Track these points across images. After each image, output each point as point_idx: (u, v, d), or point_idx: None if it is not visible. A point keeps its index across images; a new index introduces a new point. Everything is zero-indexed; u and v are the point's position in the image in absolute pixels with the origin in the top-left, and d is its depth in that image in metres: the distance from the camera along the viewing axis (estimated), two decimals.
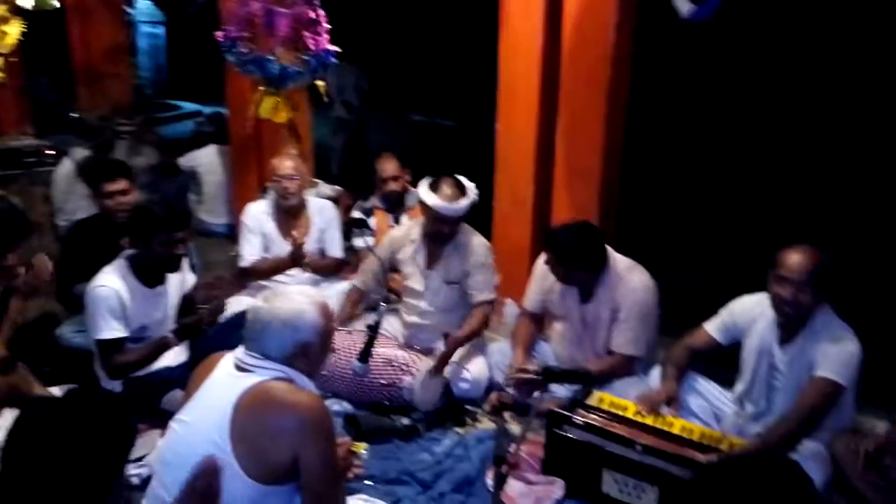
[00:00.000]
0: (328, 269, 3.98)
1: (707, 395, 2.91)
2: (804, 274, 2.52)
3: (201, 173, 5.64)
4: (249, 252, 3.83)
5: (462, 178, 3.29)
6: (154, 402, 2.95)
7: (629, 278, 3.04)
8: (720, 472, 1.42)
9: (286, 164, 3.78)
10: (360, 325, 3.46)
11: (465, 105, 8.74)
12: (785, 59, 6.47)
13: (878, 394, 2.83)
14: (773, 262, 2.61)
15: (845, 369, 2.51)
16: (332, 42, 3.60)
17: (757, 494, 1.31)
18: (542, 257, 3.30)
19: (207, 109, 9.19)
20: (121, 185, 3.60)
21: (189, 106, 11.83)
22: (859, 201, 5.70)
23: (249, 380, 1.94)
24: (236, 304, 3.72)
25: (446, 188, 3.20)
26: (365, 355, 2.57)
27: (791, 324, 2.65)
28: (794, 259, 2.54)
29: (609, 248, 3.08)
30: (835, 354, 2.52)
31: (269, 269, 3.79)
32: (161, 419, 2.82)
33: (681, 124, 6.94)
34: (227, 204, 5.64)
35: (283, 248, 3.82)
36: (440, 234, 3.30)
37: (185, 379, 2.90)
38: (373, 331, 2.57)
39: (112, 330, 2.91)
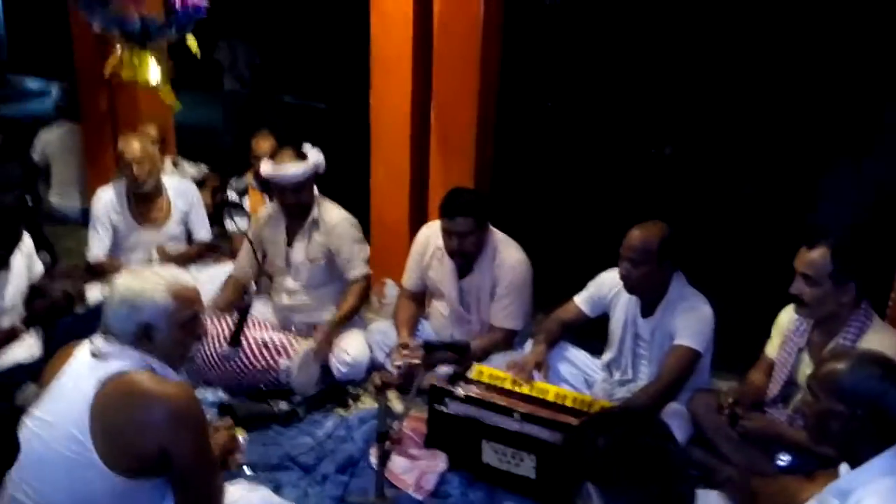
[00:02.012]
0: (192, 257, 3.78)
1: (577, 362, 3.05)
2: (637, 251, 2.68)
3: (50, 154, 5.20)
4: (97, 247, 3.60)
5: (308, 147, 3.22)
6: (6, 399, 2.70)
7: (506, 253, 3.12)
8: (589, 428, 1.49)
9: (133, 146, 3.49)
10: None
11: (335, 88, 8.67)
12: (645, 47, 6.82)
13: (730, 357, 3.05)
14: None
15: (701, 336, 2.70)
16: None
17: (622, 446, 1.37)
18: (421, 234, 3.31)
19: (54, 86, 8.52)
20: None
21: (33, 83, 10.88)
22: (711, 181, 6.14)
23: (107, 369, 1.83)
24: (95, 292, 3.51)
25: (283, 156, 3.16)
26: (235, 338, 2.47)
27: (648, 297, 2.81)
28: (631, 237, 2.71)
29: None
30: (691, 323, 2.70)
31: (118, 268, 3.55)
32: (15, 418, 2.61)
33: (549, 102, 7.17)
34: (80, 187, 5.24)
35: (138, 237, 3.61)
36: (288, 204, 3.22)
37: (39, 375, 2.73)
38: (242, 313, 2.47)
39: None
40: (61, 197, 5.27)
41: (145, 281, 1.89)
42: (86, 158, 5.15)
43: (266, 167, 3.17)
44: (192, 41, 3.09)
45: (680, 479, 1.40)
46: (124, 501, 1.81)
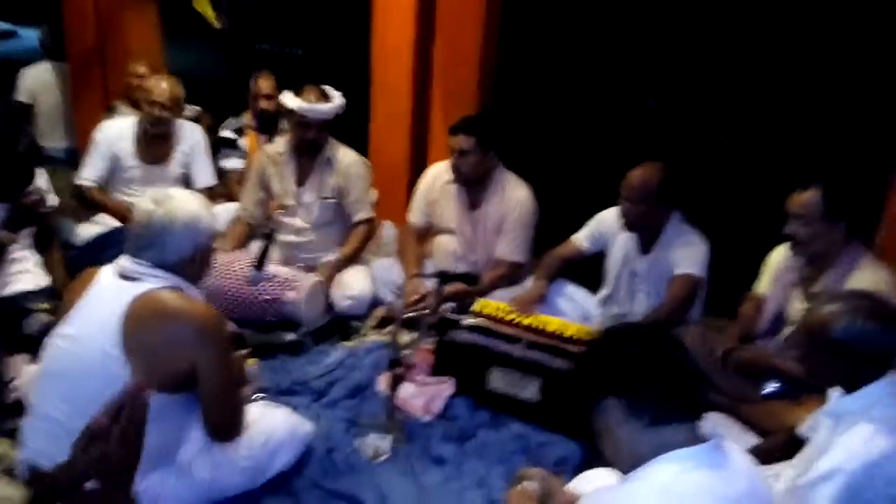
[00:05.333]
0: None
1: (576, 298, 3.16)
2: (636, 190, 2.79)
3: (36, 93, 5.10)
4: (89, 171, 3.56)
5: (327, 88, 3.26)
6: (13, 327, 2.73)
7: (513, 188, 3.21)
8: (607, 343, 1.53)
9: (162, 87, 3.47)
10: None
11: (311, 34, 8.57)
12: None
13: (720, 303, 3.14)
14: None
15: (699, 264, 2.83)
16: None
17: (645, 357, 1.42)
18: (429, 171, 3.37)
19: (24, 30, 8.29)
20: None
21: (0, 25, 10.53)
22: (692, 135, 6.24)
23: (138, 288, 1.88)
24: (86, 229, 3.54)
25: (309, 92, 3.19)
26: (261, 262, 2.49)
27: (646, 234, 2.92)
28: (631, 177, 2.81)
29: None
30: (688, 252, 2.84)
31: (109, 208, 3.54)
32: (22, 345, 2.65)
33: (546, 52, 7.18)
34: (66, 127, 5.16)
35: (138, 173, 3.61)
36: (306, 141, 3.24)
37: (44, 303, 2.76)
38: (268, 238, 2.50)
39: None
40: (46, 136, 5.17)
41: (195, 204, 1.94)
42: (73, 97, 5.06)
43: (294, 102, 3.16)
44: None
45: (697, 387, 1.47)
46: (155, 414, 1.82)
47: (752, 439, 2.39)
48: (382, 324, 3.17)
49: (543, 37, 7.21)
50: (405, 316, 2.73)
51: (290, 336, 3.01)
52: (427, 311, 2.60)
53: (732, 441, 2.26)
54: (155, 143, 3.60)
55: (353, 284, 3.26)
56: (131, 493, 1.33)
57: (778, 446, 2.14)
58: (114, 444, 1.36)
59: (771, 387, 2.61)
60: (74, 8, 4.74)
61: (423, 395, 2.64)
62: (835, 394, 1.85)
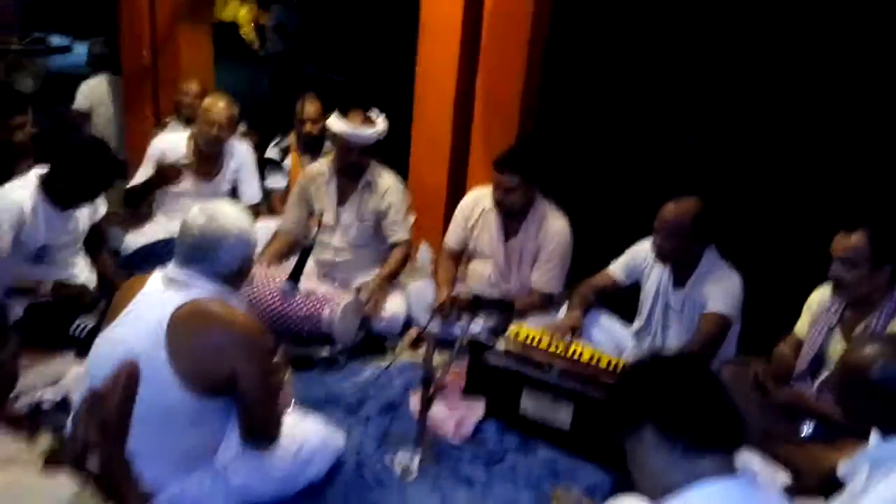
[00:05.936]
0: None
1: (610, 329, 3.15)
2: (670, 225, 2.77)
3: (92, 105, 5.28)
4: (143, 179, 3.69)
5: (373, 111, 3.33)
6: (62, 328, 2.82)
7: (551, 219, 3.23)
8: (644, 371, 1.53)
9: (219, 107, 3.57)
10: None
11: (353, 60, 8.77)
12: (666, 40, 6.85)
13: (758, 339, 3.11)
14: None
15: (732, 302, 2.80)
16: None
17: (680, 385, 1.43)
18: (469, 196, 3.41)
19: (78, 44, 8.59)
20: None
21: (56, 39, 10.93)
22: (733, 173, 6.19)
23: (184, 295, 1.93)
24: (133, 238, 3.69)
25: (354, 117, 3.26)
26: (296, 275, 2.53)
27: (681, 268, 2.91)
28: (665, 211, 2.80)
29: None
30: (721, 291, 2.80)
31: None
32: (70, 345, 2.72)
33: (588, 86, 7.22)
34: (117, 138, 5.32)
35: (186, 186, 3.71)
36: (349, 164, 3.32)
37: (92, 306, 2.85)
38: (304, 253, 2.55)
39: None
40: None
41: (243, 216, 2.02)
42: (125, 110, 5.23)
43: (339, 125, 3.24)
44: None
45: (737, 418, 1.46)
46: (194, 417, 1.93)
47: (786, 478, 2.35)
48: (416, 344, 3.19)
49: (586, 71, 7.27)
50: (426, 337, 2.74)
51: (325, 351, 3.05)
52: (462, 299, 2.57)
53: (765, 478, 2.27)
54: (207, 160, 3.71)
55: (388, 304, 3.30)
56: (125, 454, 1.44)
57: (815, 485, 2.11)
58: (112, 410, 1.45)
59: (807, 428, 2.58)
60: (130, 24, 4.91)
61: (454, 416, 2.65)
62: (874, 438, 1.82)
